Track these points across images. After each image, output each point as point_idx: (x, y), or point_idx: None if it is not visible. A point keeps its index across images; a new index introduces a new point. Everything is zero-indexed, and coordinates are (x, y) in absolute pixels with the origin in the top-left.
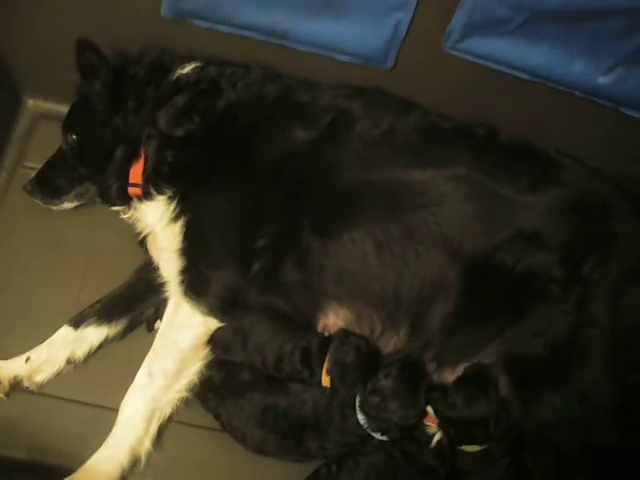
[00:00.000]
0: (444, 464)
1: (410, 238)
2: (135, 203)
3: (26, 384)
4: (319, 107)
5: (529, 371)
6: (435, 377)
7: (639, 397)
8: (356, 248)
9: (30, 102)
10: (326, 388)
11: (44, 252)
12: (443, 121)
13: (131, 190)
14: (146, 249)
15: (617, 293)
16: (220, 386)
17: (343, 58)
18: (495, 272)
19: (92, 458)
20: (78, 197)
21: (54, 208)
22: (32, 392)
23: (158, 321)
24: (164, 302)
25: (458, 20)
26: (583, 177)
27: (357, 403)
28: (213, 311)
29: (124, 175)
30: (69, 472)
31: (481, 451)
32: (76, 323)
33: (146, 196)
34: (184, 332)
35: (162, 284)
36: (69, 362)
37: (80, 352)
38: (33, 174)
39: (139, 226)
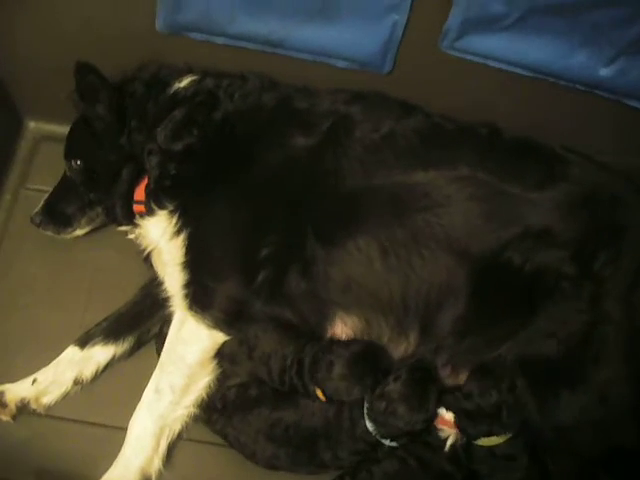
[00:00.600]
0: (460, 469)
1: (415, 242)
2: (139, 220)
3: (33, 406)
4: (318, 113)
5: (544, 373)
6: (449, 381)
7: None
8: (361, 255)
9: (31, 124)
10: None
11: (49, 273)
12: (445, 122)
13: (136, 207)
14: (151, 266)
15: (630, 288)
16: (225, 406)
17: (340, 64)
18: (504, 272)
19: (102, 479)
20: (90, 222)
21: (67, 237)
22: (40, 414)
23: None
24: (169, 318)
25: (454, 18)
26: (591, 172)
27: (365, 409)
28: (219, 324)
29: (131, 194)
30: None
31: (497, 446)
32: (82, 343)
33: (148, 212)
34: (190, 347)
35: (167, 299)
36: (76, 383)
37: (87, 372)
38: (39, 203)
39: (144, 243)
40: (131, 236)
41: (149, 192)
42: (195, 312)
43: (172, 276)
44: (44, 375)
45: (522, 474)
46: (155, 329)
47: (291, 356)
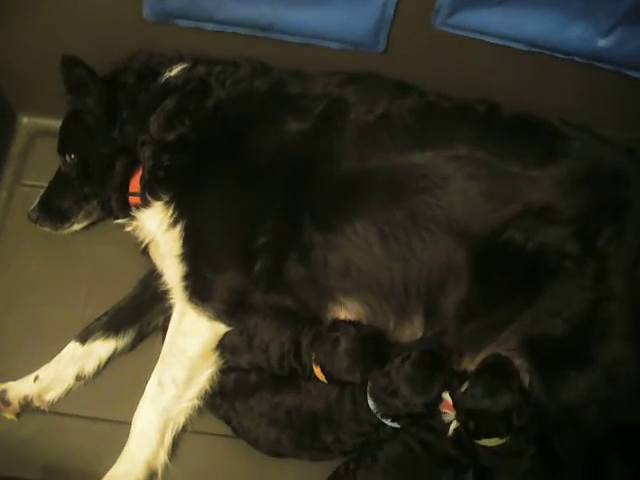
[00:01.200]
0: (464, 453)
1: (414, 224)
2: (135, 212)
3: (36, 404)
4: (311, 97)
5: (550, 353)
6: (455, 366)
7: None
8: (360, 239)
9: (25, 120)
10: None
11: (48, 269)
12: (441, 100)
13: (131, 199)
14: (149, 258)
15: (635, 264)
16: (228, 390)
17: (333, 45)
18: (506, 251)
19: (108, 474)
20: (87, 216)
21: (65, 232)
22: (43, 411)
23: None
24: (170, 311)
25: None
26: (592, 146)
27: (368, 388)
28: (220, 315)
29: (126, 186)
30: None
31: (501, 445)
32: (83, 338)
33: (144, 203)
34: (191, 339)
35: (167, 292)
36: (78, 378)
37: (89, 367)
38: (35, 199)
39: (141, 235)
40: (128, 229)
41: (144, 183)
42: (195, 304)
43: (170, 268)
44: (46, 372)
45: (529, 463)
46: (155, 321)
47: (289, 341)
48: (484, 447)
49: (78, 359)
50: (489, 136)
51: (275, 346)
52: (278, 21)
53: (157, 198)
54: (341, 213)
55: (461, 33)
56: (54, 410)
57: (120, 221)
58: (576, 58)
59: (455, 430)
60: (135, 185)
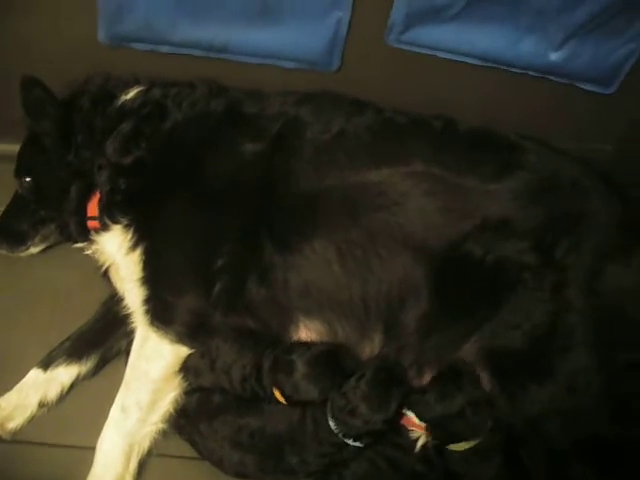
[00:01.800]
0: (431, 468)
1: (372, 242)
2: (94, 236)
3: None
4: (267, 117)
5: (511, 365)
6: (416, 382)
7: (633, 375)
8: (318, 258)
9: None
10: (284, 405)
11: (8, 295)
12: (398, 117)
13: (90, 224)
14: (110, 281)
15: (593, 274)
16: (191, 412)
17: (288, 65)
18: (465, 265)
19: None
20: (43, 240)
21: (22, 255)
22: (5, 441)
23: None
24: (133, 333)
25: (398, 11)
26: (548, 159)
27: (328, 408)
28: (182, 338)
29: (83, 210)
30: None
31: (469, 450)
32: (45, 364)
33: (103, 227)
34: (154, 363)
35: (128, 315)
36: (41, 405)
37: (52, 394)
38: None
39: (101, 258)
40: (88, 252)
41: (102, 207)
42: (157, 328)
43: (131, 292)
44: (7, 400)
45: (496, 471)
46: (118, 345)
47: (251, 364)
48: (453, 452)
49: (40, 386)
50: (446, 151)
51: (237, 369)
52: (232, 42)
53: (116, 222)
54: (300, 233)
55: (415, 49)
56: (17, 439)
57: (79, 245)
58: (530, 72)
59: (422, 446)
60: (93, 209)
